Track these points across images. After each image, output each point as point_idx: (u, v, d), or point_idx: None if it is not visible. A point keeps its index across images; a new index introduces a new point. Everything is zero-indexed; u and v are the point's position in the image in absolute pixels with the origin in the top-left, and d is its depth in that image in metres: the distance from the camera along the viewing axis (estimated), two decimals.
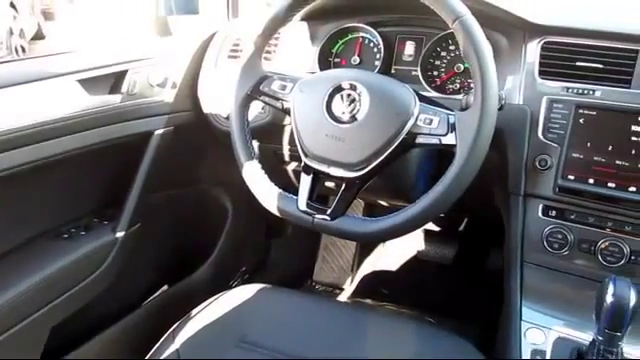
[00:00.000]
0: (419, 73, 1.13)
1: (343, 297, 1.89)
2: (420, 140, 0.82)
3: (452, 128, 0.80)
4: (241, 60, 0.98)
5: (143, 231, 1.32)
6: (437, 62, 1.14)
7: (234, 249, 1.69)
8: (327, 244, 2.01)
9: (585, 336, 0.91)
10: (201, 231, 1.61)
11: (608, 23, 0.98)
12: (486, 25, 0.96)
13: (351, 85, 0.86)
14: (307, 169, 0.90)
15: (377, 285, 1.92)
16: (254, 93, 0.96)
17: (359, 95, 0.85)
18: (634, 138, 0.90)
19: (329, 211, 0.86)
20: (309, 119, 0.90)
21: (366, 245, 2.03)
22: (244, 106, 0.97)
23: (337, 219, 0.86)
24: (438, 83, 1.14)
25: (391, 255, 2.01)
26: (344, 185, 0.86)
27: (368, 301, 1.82)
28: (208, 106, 1.29)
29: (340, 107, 0.86)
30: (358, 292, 1.90)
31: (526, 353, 0.94)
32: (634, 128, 0.90)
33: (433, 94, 1.09)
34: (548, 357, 0.92)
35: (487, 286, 1.32)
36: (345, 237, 0.90)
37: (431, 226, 2.01)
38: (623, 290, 0.78)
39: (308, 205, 0.88)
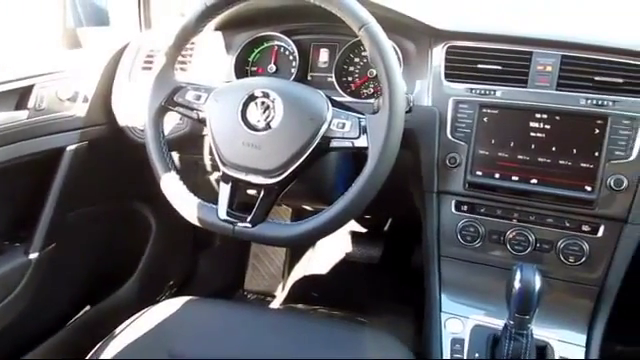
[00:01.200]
0: (334, 79, 1.15)
1: (275, 304, 1.89)
2: (334, 144, 0.85)
3: (363, 131, 0.82)
4: (153, 71, 0.96)
5: (60, 251, 1.26)
6: (351, 68, 1.17)
7: (160, 263, 1.65)
8: (257, 252, 2.01)
9: (500, 322, 0.96)
10: (124, 247, 1.57)
11: (505, 27, 1.04)
12: (394, 31, 1.00)
13: (264, 93, 0.87)
14: (226, 178, 0.90)
15: (308, 289, 1.93)
16: (168, 104, 0.95)
17: (273, 102, 0.86)
18: (532, 134, 0.97)
19: (249, 218, 0.87)
20: (225, 128, 0.90)
21: (296, 250, 2.04)
22: (158, 117, 0.95)
23: (257, 225, 0.86)
24: (353, 88, 1.17)
25: (321, 258, 2.03)
26: (263, 192, 0.87)
27: (300, 306, 1.82)
28: (123, 119, 1.26)
29: (255, 115, 0.87)
30: (290, 298, 1.91)
31: (446, 342, 0.99)
32: (532, 124, 0.97)
33: (348, 99, 1.12)
34: (467, 345, 0.97)
35: (414, 283, 1.36)
36: (267, 243, 0.90)
37: (358, 228, 2.05)
38: (529, 276, 0.84)
39: (228, 214, 0.88)
